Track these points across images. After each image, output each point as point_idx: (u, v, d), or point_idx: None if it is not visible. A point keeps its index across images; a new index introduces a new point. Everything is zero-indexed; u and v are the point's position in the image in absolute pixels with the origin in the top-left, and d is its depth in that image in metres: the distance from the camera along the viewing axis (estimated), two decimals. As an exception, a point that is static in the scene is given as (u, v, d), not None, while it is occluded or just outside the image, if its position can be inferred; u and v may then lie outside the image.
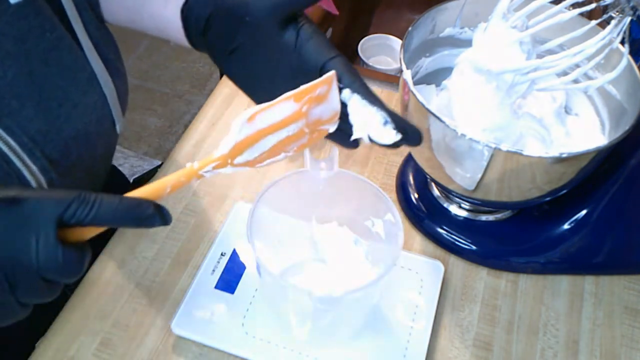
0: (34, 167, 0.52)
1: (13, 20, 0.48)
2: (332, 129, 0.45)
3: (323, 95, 0.42)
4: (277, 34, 0.46)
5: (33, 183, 0.52)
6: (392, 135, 0.43)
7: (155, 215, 0.37)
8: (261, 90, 0.50)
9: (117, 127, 0.61)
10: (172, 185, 0.39)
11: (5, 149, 0.50)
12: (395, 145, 0.45)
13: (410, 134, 0.45)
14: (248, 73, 0.50)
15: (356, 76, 0.45)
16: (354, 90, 0.44)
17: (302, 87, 0.41)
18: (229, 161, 0.41)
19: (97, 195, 0.37)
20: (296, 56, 0.46)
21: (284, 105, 0.41)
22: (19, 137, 0.50)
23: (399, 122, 0.45)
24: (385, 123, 0.44)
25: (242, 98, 0.82)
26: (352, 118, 0.44)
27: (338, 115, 0.44)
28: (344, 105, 0.45)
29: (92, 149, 0.58)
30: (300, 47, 0.46)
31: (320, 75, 0.44)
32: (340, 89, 0.44)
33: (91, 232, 0.38)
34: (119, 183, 0.84)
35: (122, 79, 0.61)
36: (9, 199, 0.36)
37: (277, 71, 0.48)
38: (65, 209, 0.36)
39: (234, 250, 0.63)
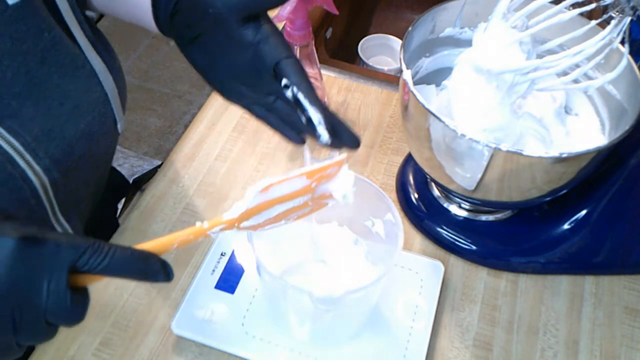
0: (37, 167, 0.52)
1: (11, 21, 0.48)
2: (331, 203, 0.48)
3: (332, 174, 0.46)
4: (237, 30, 0.49)
5: (37, 183, 0.52)
6: (325, 136, 0.47)
7: (160, 271, 0.39)
8: (220, 79, 0.53)
9: (119, 126, 0.61)
10: (180, 241, 0.41)
11: (9, 150, 0.49)
12: (334, 145, 0.49)
13: (345, 138, 0.49)
14: (208, 63, 0.53)
15: (304, 77, 0.48)
16: (299, 89, 0.47)
17: (316, 165, 0.45)
18: (236, 224, 0.43)
19: (110, 246, 0.38)
20: (253, 53, 0.49)
21: (297, 180, 0.44)
22: (22, 138, 0.50)
23: (335, 125, 0.48)
24: (319, 123, 0.47)
25: (242, 98, 0.82)
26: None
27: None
28: (297, 101, 0.48)
29: (94, 148, 0.59)
30: (258, 44, 0.48)
31: (275, 73, 0.48)
32: (287, 86, 0.48)
33: (95, 279, 0.39)
34: (118, 184, 0.84)
35: (120, 75, 0.61)
36: (29, 238, 0.36)
37: (235, 64, 0.51)
38: (80, 255, 0.37)
39: (234, 250, 0.63)
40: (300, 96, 0.47)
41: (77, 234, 0.60)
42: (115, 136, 0.63)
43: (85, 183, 0.60)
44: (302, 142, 0.52)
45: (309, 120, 0.47)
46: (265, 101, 0.52)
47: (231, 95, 0.54)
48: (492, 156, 0.53)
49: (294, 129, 0.52)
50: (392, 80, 0.85)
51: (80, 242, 0.37)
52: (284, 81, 0.47)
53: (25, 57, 0.50)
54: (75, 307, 0.37)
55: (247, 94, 0.52)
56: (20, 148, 0.50)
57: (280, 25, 0.92)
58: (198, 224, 0.41)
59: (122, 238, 0.66)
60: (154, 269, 0.39)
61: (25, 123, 0.50)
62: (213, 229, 0.42)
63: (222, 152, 0.76)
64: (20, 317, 0.35)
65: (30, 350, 0.58)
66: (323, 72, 0.80)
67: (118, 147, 0.68)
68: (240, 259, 0.63)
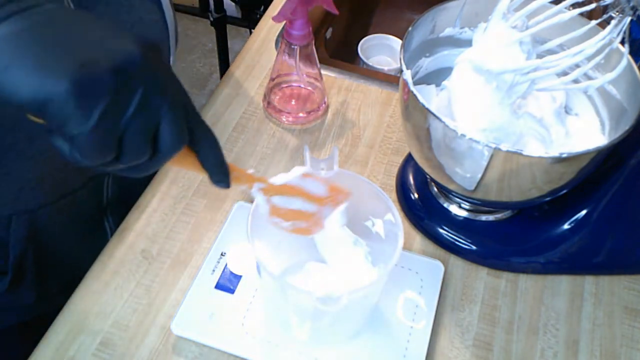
0: None
1: None
2: (317, 230, 0.54)
3: (339, 202, 0.54)
4: None
5: None
6: None
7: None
8: None
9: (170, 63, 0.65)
10: (235, 175, 0.44)
11: None
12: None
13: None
14: None
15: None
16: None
17: (338, 191, 0.53)
18: (270, 195, 0.49)
19: None
20: None
21: (320, 185, 0.52)
22: None
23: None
24: None
25: (242, 98, 0.82)
26: None
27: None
28: None
29: None
30: None
31: None
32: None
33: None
34: None
35: (176, 17, 0.66)
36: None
37: None
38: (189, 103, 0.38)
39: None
40: None
41: None
42: None
43: None
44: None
45: None
46: None
47: None
48: (492, 156, 0.53)
49: None
50: (392, 80, 0.85)
51: None
52: None
53: None
54: (184, 135, 0.37)
55: None
56: None
57: (280, 25, 0.92)
58: (251, 170, 0.46)
59: (122, 238, 0.66)
60: (227, 166, 0.42)
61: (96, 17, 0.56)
62: (258, 183, 0.48)
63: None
64: (138, 110, 0.34)
65: (30, 349, 0.58)
66: (323, 72, 0.80)
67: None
68: (233, 267, 0.62)
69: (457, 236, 0.66)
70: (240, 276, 0.61)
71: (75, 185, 0.66)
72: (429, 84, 0.67)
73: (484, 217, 0.68)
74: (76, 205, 0.67)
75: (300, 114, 0.78)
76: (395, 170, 0.74)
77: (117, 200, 0.72)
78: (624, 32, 0.51)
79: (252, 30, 0.94)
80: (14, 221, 0.62)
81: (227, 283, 0.61)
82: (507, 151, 0.52)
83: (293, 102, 0.79)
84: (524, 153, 0.51)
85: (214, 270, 0.62)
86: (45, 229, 0.65)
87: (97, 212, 0.72)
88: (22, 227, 0.62)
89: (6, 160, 0.56)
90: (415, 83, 0.66)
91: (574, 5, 0.53)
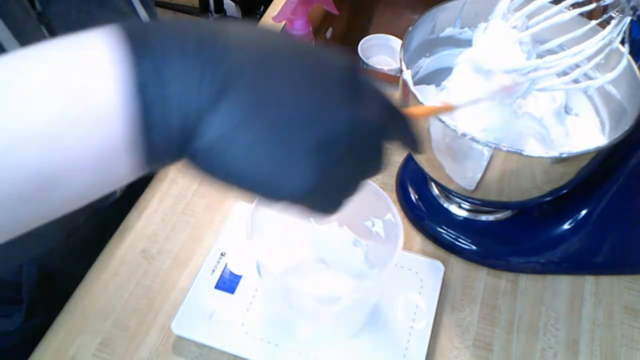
0: None
1: None
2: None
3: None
4: None
5: None
6: None
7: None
8: None
9: None
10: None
11: None
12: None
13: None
14: None
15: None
16: None
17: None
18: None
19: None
20: None
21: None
22: None
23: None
24: None
25: (242, 98, 0.82)
26: None
27: None
28: None
29: None
30: None
31: None
32: None
33: None
34: None
35: None
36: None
37: None
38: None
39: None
40: None
41: None
42: None
43: None
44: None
45: None
46: None
47: None
48: (492, 156, 0.53)
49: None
50: (392, 80, 0.85)
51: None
52: None
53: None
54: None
55: None
56: None
57: (280, 25, 0.92)
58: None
59: (122, 238, 0.66)
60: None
61: None
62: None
63: (222, 152, 0.75)
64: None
65: (30, 350, 0.58)
66: (323, 72, 0.80)
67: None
68: (233, 267, 0.62)
69: (457, 236, 0.66)
70: (240, 276, 0.61)
71: (80, 222, 0.67)
72: (429, 84, 0.67)
73: (484, 217, 0.68)
74: (82, 241, 0.68)
75: (300, 114, 0.78)
76: (395, 170, 0.74)
77: None
78: (624, 32, 0.51)
79: (252, 30, 0.94)
80: (24, 269, 0.63)
81: (227, 283, 0.61)
82: (507, 151, 0.52)
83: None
84: (524, 153, 0.51)
85: (214, 270, 0.62)
86: (55, 269, 0.66)
87: (104, 242, 0.72)
88: (33, 273, 0.64)
89: None
90: (415, 83, 0.66)
91: (574, 5, 0.53)
